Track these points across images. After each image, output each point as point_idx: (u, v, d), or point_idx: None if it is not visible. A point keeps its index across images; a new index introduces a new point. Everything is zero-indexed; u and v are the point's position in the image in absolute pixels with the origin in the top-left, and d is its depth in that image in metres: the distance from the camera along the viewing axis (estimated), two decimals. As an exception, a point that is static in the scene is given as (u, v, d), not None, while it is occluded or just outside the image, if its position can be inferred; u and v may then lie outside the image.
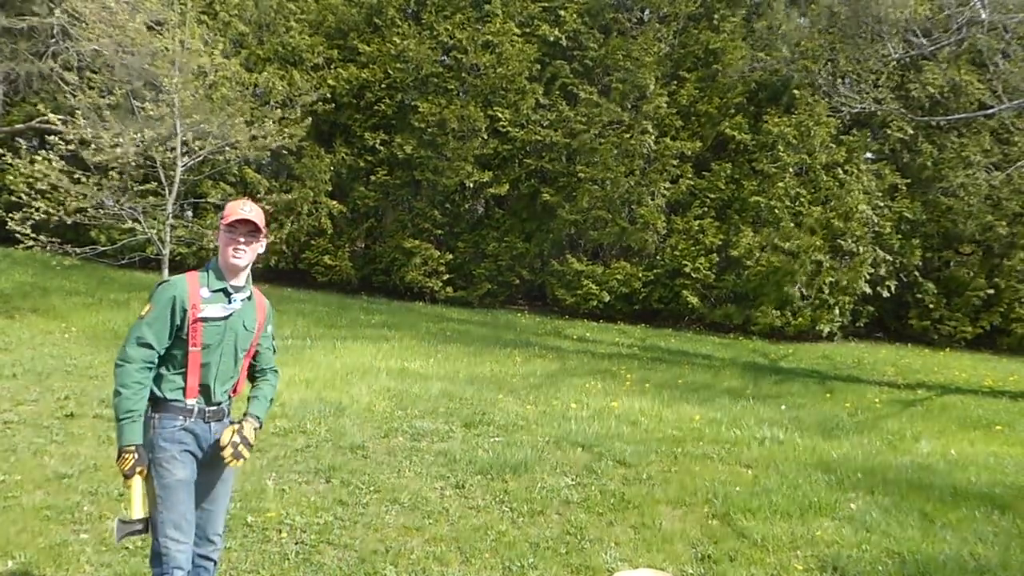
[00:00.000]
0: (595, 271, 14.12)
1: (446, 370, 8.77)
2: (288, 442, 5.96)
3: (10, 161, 10.94)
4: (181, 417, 3.00)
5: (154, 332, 2.94)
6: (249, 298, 3.14)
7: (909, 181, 14.13)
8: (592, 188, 14.11)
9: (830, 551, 4.51)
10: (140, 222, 10.90)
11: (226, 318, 3.05)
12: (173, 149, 10.56)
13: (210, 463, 3.10)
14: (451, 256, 14.99)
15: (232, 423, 3.13)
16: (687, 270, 13.65)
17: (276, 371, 3.38)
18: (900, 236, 13.90)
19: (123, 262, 12.82)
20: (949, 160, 14.06)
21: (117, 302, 11.31)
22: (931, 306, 13.78)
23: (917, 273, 13.98)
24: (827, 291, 13.27)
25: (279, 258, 15.08)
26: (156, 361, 2.96)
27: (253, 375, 3.31)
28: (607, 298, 13.99)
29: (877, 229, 13.63)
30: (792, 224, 13.25)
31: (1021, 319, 13.42)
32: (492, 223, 15.39)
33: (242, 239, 3.03)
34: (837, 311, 13.39)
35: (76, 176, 10.65)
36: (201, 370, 3.02)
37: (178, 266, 13.95)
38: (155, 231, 11.03)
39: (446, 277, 14.89)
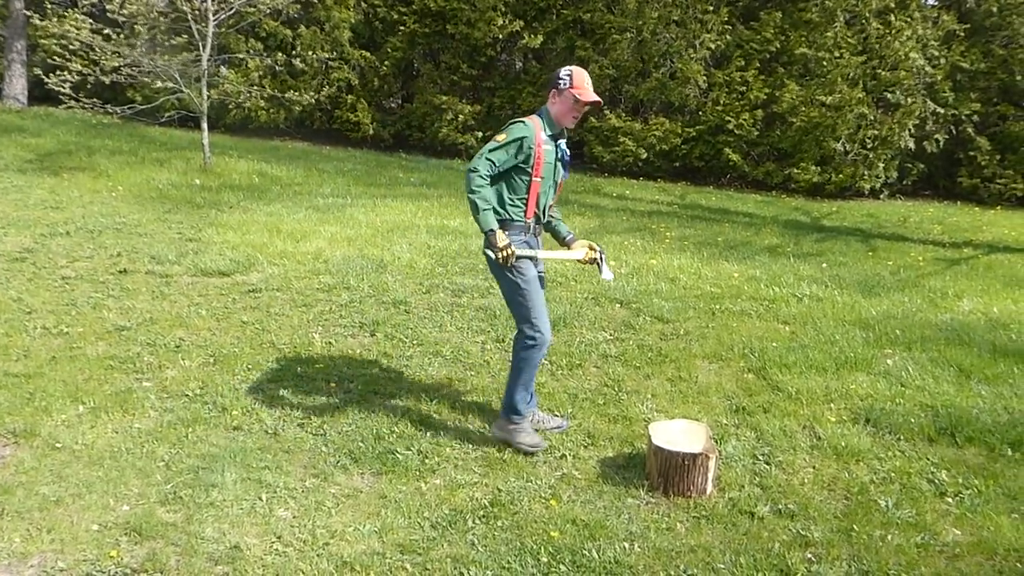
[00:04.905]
0: (633, 127, 13.74)
1: (485, 228, 8.80)
2: (333, 297, 6.13)
3: (39, 21, 10.82)
4: (518, 232, 3.84)
5: (498, 156, 3.70)
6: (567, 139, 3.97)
7: (969, 28, 13.25)
8: (626, 38, 13.49)
9: (863, 404, 4.60)
10: (176, 80, 10.81)
11: (555, 156, 3.86)
12: (203, 0, 10.29)
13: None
14: (484, 111, 14.68)
15: (572, 242, 4.12)
16: (730, 126, 13.23)
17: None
18: (954, 88, 13.19)
19: (162, 120, 12.84)
20: (1016, 5, 13.08)
21: (159, 160, 11.39)
22: (983, 163, 13.25)
23: (970, 128, 13.36)
24: (870, 145, 12.80)
25: (308, 116, 14.94)
26: (491, 177, 3.72)
27: None
28: (644, 155, 13.69)
29: (928, 80, 12.93)
30: (838, 76, 12.62)
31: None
32: (528, 78, 14.95)
33: (582, 112, 3.86)
34: (881, 166, 12.96)
35: (106, 33, 10.52)
36: (538, 196, 3.85)
37: (214, 124, 13.93)
38: (191, 89, 10.95)
39: (480, 134, 14.66)
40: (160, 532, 3.19)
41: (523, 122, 3.77)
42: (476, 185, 3.66)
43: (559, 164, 3.91)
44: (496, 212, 3.76)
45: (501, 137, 3.72)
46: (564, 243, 4.13)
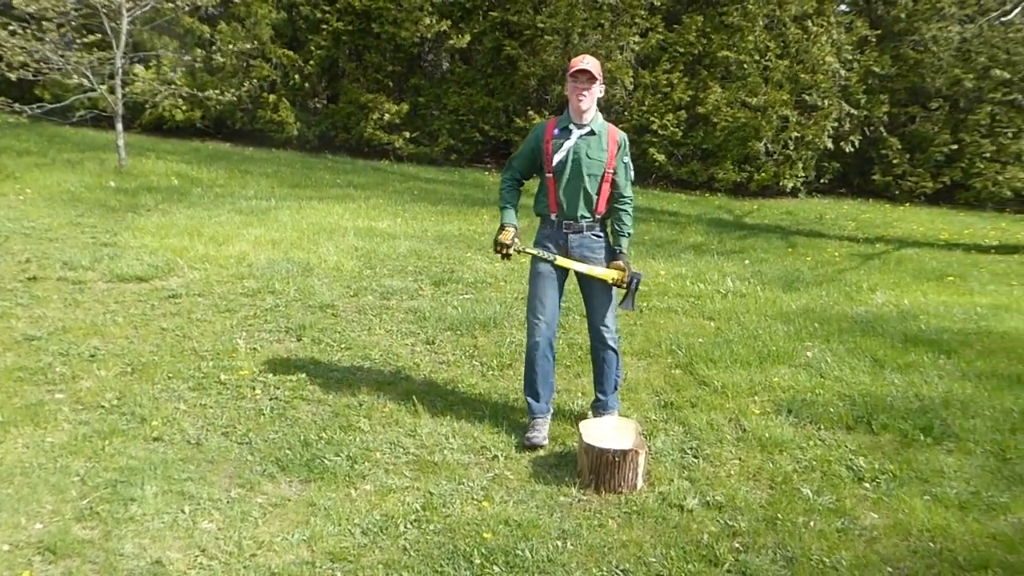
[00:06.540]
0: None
1: (414, 229, 8.74)
2: (257, 302, 5.98)
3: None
4: (546, 227, 4.01)
5: (518, 161, 4.05)
6: (592, 132, 3.86)
7: (880, 33, 13.85)
8: (555, 40, 13.61)
9: (785, 396, 4.74)
10: (89, 78, 10.40)
11: (569, 149, 3.83)
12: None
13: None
14: (409, 109, 14.57)
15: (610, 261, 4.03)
16: (655, 127, 13.47)
17: (625, 196, 4.02)
18: (867, 90, 13.77)
19: (73, 120, 12.32)
20: (923, 12, 13.74)
21: (71, 162, 10.93)
22: (894, 161, 13.84)
23: (883, 129, 13.95)
24: (792, 146, 13.23)
25: (230, 115, 14.56)
26: (518, 179, 4.07)
27: (613, 200, 4.00)
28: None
29: (844, 83, 13.47)
30: (760, 79, 13.01)
31: (981, 174, 13.56)
32: (455, 78, 14.91)
33: (583, 86, 3.76)
34: (800, 166, 13.41)
35: (11, 28, 10.05)
36: (556, 190, 3.90)
37: (129, 124, 13.44)
38: (105, 87, 10.55)
39: (407, 135, 14.54)
40: (76, 550, 3.06)
41: (537, 124, 4.03)
42: (501, 190, 4.07)
43: (579, 156, 3.82)
44: (536, 208, 4.03)
45: (521, 145, 4.03)
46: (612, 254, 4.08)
